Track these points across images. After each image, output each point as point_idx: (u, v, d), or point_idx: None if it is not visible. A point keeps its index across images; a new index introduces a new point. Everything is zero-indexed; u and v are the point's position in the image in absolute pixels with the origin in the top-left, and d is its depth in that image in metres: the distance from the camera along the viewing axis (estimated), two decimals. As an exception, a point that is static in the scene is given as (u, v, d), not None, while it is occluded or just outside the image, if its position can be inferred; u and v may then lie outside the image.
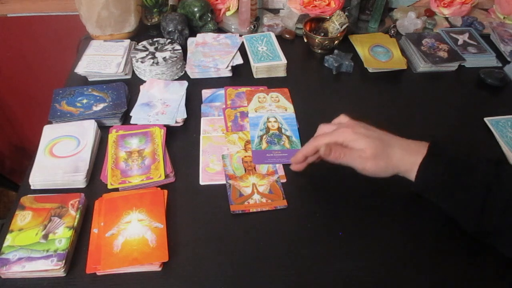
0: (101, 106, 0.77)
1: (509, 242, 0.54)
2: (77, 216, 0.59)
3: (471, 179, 0.53)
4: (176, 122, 0.76)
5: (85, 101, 0.78)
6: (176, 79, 0.87)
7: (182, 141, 0.74)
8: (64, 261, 0.54)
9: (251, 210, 0.63)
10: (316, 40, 0.94)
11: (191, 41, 0.94)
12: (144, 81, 0.85)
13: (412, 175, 0.56)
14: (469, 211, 0.54)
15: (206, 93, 0.85)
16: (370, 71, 0.92)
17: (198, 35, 0.96)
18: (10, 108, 1.39)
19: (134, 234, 0.58)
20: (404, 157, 0.56)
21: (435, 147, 0.56)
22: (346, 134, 0.59)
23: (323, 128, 0.64)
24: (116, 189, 0.64)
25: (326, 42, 0.94)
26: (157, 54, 0.87)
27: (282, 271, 0.56)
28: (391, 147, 0.57)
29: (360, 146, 0.57)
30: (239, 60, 0.89)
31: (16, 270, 0.53)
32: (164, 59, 0.85)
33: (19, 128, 1.47)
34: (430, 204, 0.60)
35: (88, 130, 0.72)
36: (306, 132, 0.75)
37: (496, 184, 0.52)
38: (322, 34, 0.97)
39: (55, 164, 0.66)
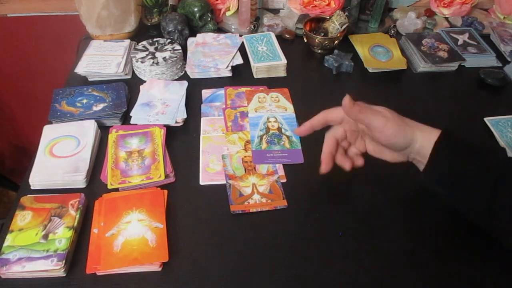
0: (101, 106, 0.77)
1: None
2: (77, 216, 0.59)
3: (483, 167, 0.52)
4: (176, 122, 0.76)
5: (85, 101, 0.78)
6: (176, 79, 0.87)
7: (182, 141, 0.74)
8: (64, 261, 0.54)
9: (251, 210, 0.63)
10: (316, 40, 0.94)
11: (191, 41, 0.94)
12: (144, 81, 0.85)
13: (425, 153, 0.53)
14: (479, 200, 0.52)
15: (206, 93, 0.85)
16: (370, 71, 0.92)
17: (198, 35, 0.96)
18: (10, 108, 1.39)
19: (134, 234, 0.58)
20: (418, 131, 0.55)
21: (449, 132, 0.54)
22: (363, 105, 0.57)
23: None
24: (116, 189, 0.64)
25: (326, 42, 0.94)
26: (157, 54, 0.87)
27: (282, 271, 0.56)
28: (407, 121, 0.56)
29: (380, 109, 0.57)
30: (239, 60, 0.89)
31: (16, 270, 0.53)
32: (164, 59, 0.85)
33: (19, 128, 1.47)
34: (431, 204, 0.60)
35: (88, 130, 0.72)
36: (306, 132, 0.75)
37: (507, 175, 0.50)
38: (322, 34, 0.96)
39: (55, 164, 0.66)
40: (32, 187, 0.65)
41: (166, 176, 0.66)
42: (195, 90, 0.85)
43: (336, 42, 0.95)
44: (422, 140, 0.54)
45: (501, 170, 0.51)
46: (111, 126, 0.74)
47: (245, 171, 0.69)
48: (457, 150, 0.53)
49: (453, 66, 0.93)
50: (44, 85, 1.05)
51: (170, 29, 0.93)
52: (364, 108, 0.56)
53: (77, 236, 0.59)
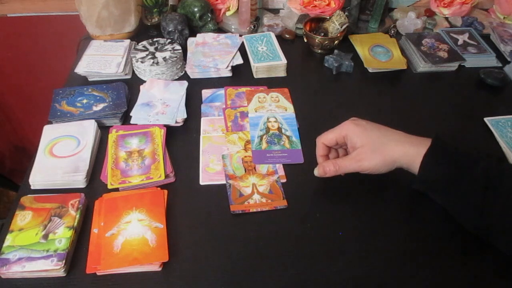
0: (101, 106, 0.77)
1: (509, 239, 0.54)
2: (77, 216, 0.59)
3: (473, 173, 0.53)
4: (176, 122, 0.76)
5: (85, 101, 0.78)
6: (176, 79, 0.87)
7: (182, 141, 0.74)
8: (64, 261, 0.54)
9: (251, 210, 0.63)
10: (316, 40, 0.94)
11: (191, 41, 0.94)
12: (144, 81, 0.85)
13: (415, 166, 0.56)
14: (469, 206, 0.54)
15: (206, 93, 0.85)
16: (370, 71, 0.92)
17: (198, 35, 0.96)
18: (10, 108, 1.39)
19: (134, 234, 0.58)
20: (405, 149, 0.57)
21: (439, 141, 0.56)
22: (347, 126, 0.61)
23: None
24: (116, 189, 0.64)
25: (326, 42, 0.94)
26: (157, 54, 0.87)
27: (282, 271, 0.56)
28: (389, 141, 0.58)
29: (357, 141, 0.59)
30: (239, 60, 0.89)
31: (16, 270, 0.53)
32: (164, 59, 0.85)
33: (19, 128, 1.47)
34: (430, 203, 0.60)
35: (88, 130, 0.72)
36: (306, 132, 0.75)
37: (497, 180, 0.52)
38: (322, 34, 0.97)
39: (55, 164, 0.66)
40: (32, 187, 0.65)
41: (166, 176, 0.66)
42: (195, 90, 0.85)
43: (336, 42, 0.95)
44: (408, 161, 0.57)
45: (490, 177, 0.52)
46: (111, 126, 0.74)
47: (245, 171, 0.69)
48: (446, 159, 0.55)
49: (453, 66, 0.93)
50: (44, 85, 1.05)
51: (170, 29, 0.93)
52: (337, 165, 0.61)
53: (77, 236, 0.59)
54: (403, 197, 0.65)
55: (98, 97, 0.79)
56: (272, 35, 0.98)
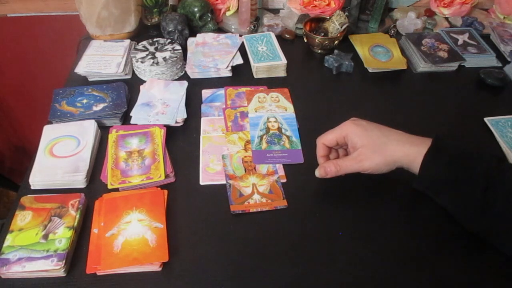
0: (101, 106, 0.77)
1: (509, 239, 0.54)
2: (77, 216, 0.59)
3: (473, 173, 0.53)
4: (176, 122, 0.76)
5: (85, 101, 0.78)
6: (176, 79, 0.87)
7: (182, 141, 0.74)
8: (64, 261, 0.54)
9: (251, 210, 0.63)
10: (316, 40, 0.94)
11: (191, 41, 0.94)
12: (144, 81, 0.85)
13: (415, 166, 0.56)
14: (469, 206, 0.54)
15: (206, 93, 0.85)
16: (370, 71, 0.92)
17: (198, 35, 0.96)
18: (10, 108, 1.39)
19: (134, 234, 0.58)
20: (406, 149, 0.57)
21: (439, 140, 0.56)
22: (347, 126, 0.61)
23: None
24: (116, 189, 0.64)
25: (326, 42, 0.94)
26: (157, 54, 0.87)
27: (282, 271, 0.56)
28: (390, 141, 0.58)
29: (357, 142, 0.59)
30: (239, 60, 0.89)
31: (16, 270, 0.53)
32: (164, 59, 0.85)
33: (19, 128, 1.47)
34: (430, 203, 0.60)
35: (88, 130, 0.72)
36: (306, 132, 0.75)
37: (497, 180, 0.52)
38: (322, 34, 0.97)
39: (55, 164, 0.66)
40: (32, 187, 0.65)
41: (166, 176, 0.66)
42: (195, 90, 0.85)
43: (336, 42, 0.96)
44: (409, 161, 0.57)
45: (490, 177, 0.52)
46: (111, 126, 0.74)
47: (245, 171, 0.69)
48: (447, 159, 0.55)
49: (453, 66, 0.93)
50: (44, 85, 1.05)
51: (170, 29, 0.93)
52: (338, 166, 0.61)
53: (77, 236, 0.59)
54: (403, 197, 0.66)
55: (98, 97, 0.79)
56: (272, 35, 0.98)
